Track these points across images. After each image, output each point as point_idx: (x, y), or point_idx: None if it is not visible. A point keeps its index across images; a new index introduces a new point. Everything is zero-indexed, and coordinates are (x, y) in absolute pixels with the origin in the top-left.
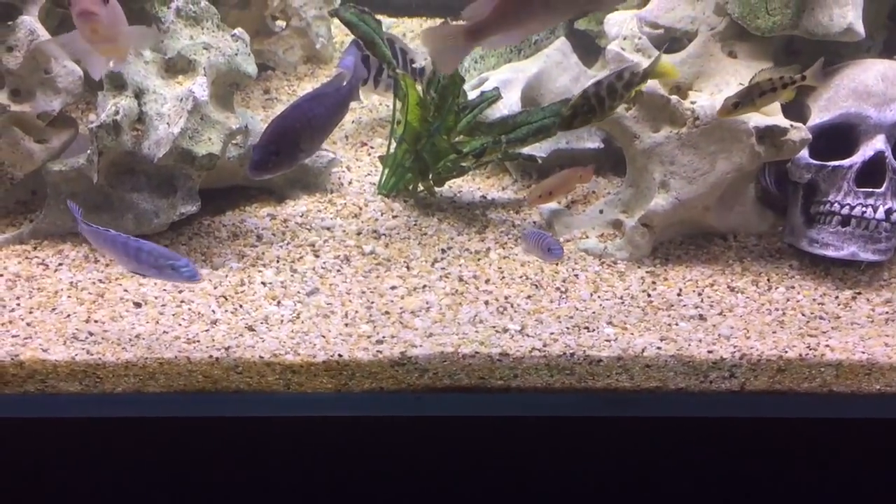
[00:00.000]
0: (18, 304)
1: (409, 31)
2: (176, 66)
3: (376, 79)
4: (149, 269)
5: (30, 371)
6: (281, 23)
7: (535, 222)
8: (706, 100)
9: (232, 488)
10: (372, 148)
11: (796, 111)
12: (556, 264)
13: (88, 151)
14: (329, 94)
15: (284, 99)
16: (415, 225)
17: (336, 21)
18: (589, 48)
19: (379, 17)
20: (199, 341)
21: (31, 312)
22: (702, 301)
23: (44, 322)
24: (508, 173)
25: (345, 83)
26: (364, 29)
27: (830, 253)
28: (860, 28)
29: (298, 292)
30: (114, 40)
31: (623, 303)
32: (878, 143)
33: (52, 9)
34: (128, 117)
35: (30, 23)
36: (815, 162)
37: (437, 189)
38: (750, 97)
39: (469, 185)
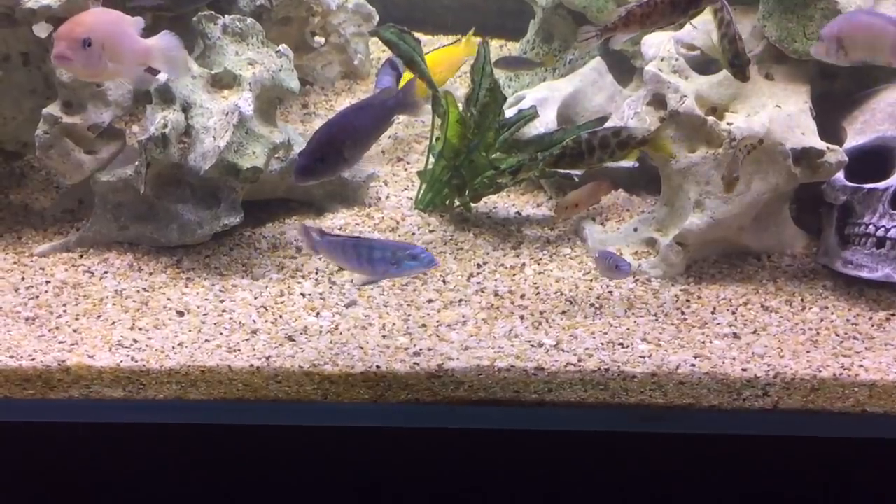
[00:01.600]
0: (65, 311)
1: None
2: (222, 81)
3: None
4: (387, 266)
5: (76, 377)
6: (320, 39)
7: (569, 239)
8: (742, 121)
9: (268, 496)
10: (408, 163)
11: (832, 133)
12: (591, 281)
13: (136, 163)
14: (374, 105)
15: (322, 114)
16: (451, 240)
17: (375, 38)
18: (624, 68)
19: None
20: (240, 350)
21: (77, 319)
22: (735, 319)
23: (90, 329)
24: (543, 190)
25: (390, 97)
26: (404, 48)
27: (865, 274)
28: None
29: (337, 304)
30: (99, 77)
31: (657, 320)
32: None
33: None
34: (175, 130)
35: None
36: (850, 184)
37: (472, 205)
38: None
39: (504, 202)
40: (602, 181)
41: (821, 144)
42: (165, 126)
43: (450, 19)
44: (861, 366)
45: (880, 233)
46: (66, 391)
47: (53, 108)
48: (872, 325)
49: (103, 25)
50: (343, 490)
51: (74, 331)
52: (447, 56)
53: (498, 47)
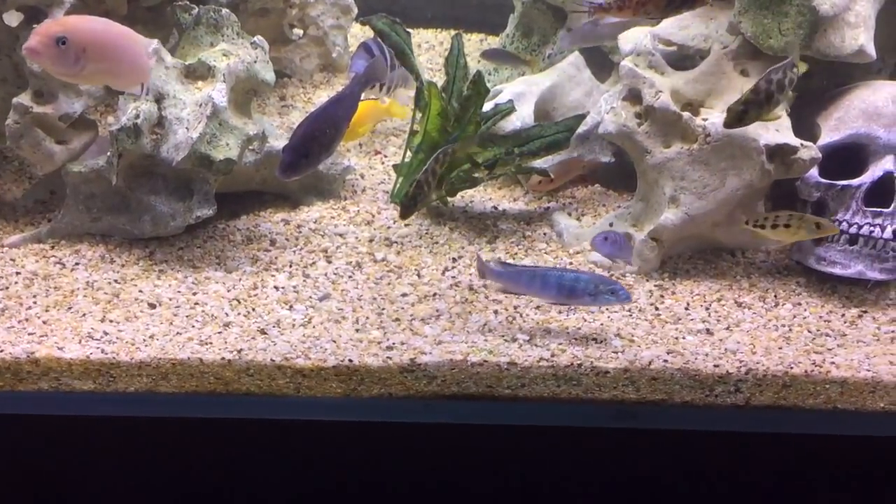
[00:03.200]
0: (35, 303)
1: (425, 41)
2: (196, 72)
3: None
4: (583, 297)
5: (45, 368)
6: (298, 31)
7: (545, 233)
8: (717, 117)
9: (240, 489)
10: (386, 157)
11: (806, 130)
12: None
13: (108, 153)
14: (346, 96)
15: (300, 106)
16: (427, 233)
17: (352, 31)
18: (602, 63)
19: None
20: (211, 343)
21: (47, 311)
22: (709, 315)
23: (60, 320)
24: (520, 185)
25: (357, 83)
26: (395, 39)
27: (838, 271)
28: (871, 50)
29: (310, 297)
30: (74, 79)
31: (631, 315)
32: (887, 164)
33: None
34: (148, 121)
35: None
36: (824, 181)
37: (449, 199)
38: (757, 103)
39: (481, 196)
40: (571, 161)
41: (794, 141)
42: (137, 116)
43: (430, 12)
44: (833, 363)
45: (853, 230)
46: (35, 383)
47: (24, 98)
48: (845, 322)
49: (94, 33)
50: (315, 484)
51: (44, 322)
52: (372, 109)
53: (478, 41)
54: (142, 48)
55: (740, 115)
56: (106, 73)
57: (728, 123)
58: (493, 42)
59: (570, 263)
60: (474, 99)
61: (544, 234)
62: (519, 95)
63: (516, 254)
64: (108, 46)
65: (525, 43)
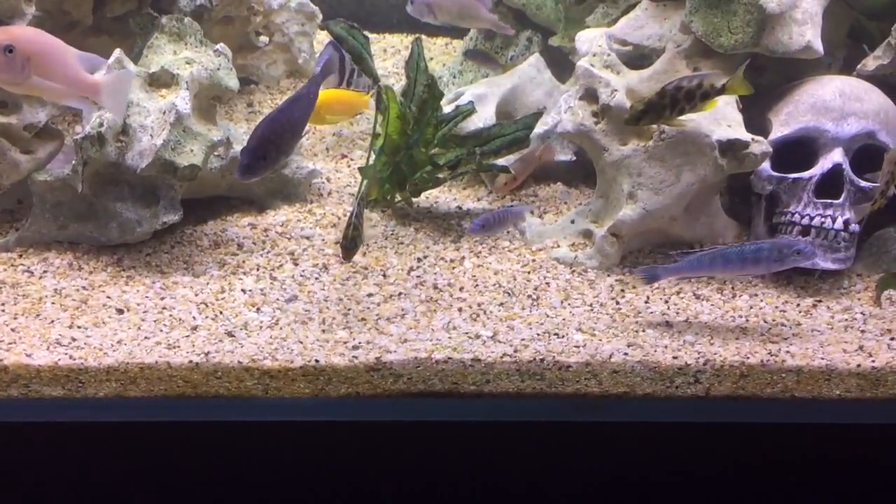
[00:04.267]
0: (3, 311)
1: (391, 46)
2: (159, 80)
3: (348, 81)
4: (770, 263)
5: (13, 375)
6: (264, 38)
7: (508, 232)
8: None
9: (210, 491)
10: (352, 160)
11: (758, 125)
12: (529, 273)
13: (73, 162)
14: (302, 96)
15: (267, 112)
16: (392, 234)
17: (318, 37)
18: (563, 64)
19: None
20: (179, 347)
21: (15, 318)
22: (668, 308)
23: (28, 328)
24: (483, 184)
25: (314, 84)
26: (352, 43)
27: None
28: (819, 46)
29: (278, 299)
30: (19, 89)
31: (592, 310)
32: (836, 156)
33: (42, 24)
34: (112, 129)
35: None
36: (776, 174)
37: (413, 200)
38: (660, 107)
39: (445, 196)
40: (531, 153)
41: (746, 136)
42: (101, 125)
43: (395, 17)
44: (788, 352)
45: (805, 221)
46: (4, 390)
47: None
48: (800, 312)
49: (37, 44)
50: (285, 484)
51: (13, 330)
52: (348, 98)
53: (443, 45)
54: (75, 59)
55: (639, 115)
56: (48, 85)
57: (626, 120)
58: (458, 45)
59: (533, 261)
60: (430, 102)
61: (507, 232)
62: (480, 97)
63: (479, 252)
64: (52, 58)
65: (488, 45)
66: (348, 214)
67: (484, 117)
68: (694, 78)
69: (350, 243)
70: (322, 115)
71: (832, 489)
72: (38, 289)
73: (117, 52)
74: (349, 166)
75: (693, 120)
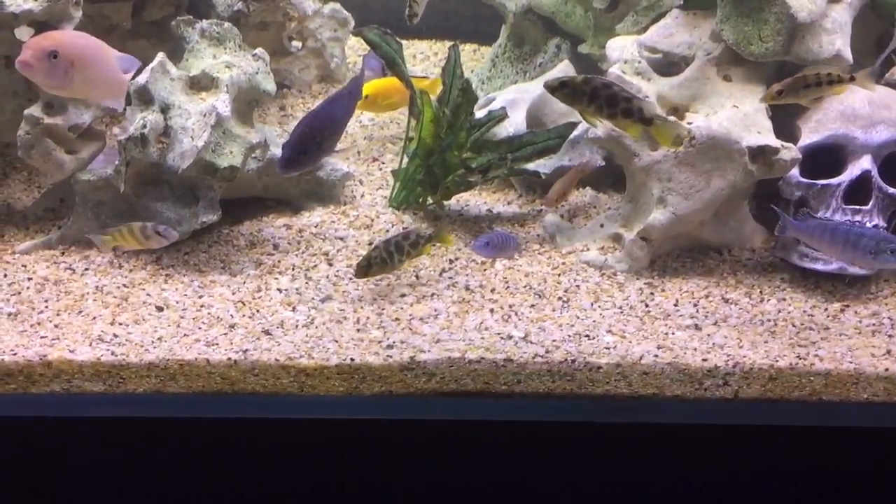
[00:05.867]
0: (46, 307)
1: (419, 52)
2: (200, 84)
3: None
4: (864, 255)
5: (56, 371)
6: (297, 43)
7: (538, 235)
8: (702, 121)
9: (245, 487)
10: (383, 163)
11: (787, 132)
12: (559, 275)
13: (116, 162)
14: (344, 95)
15: (299, 115)
16: None
17: (350, 42)
18: (591, 72)
19: None
20: (217, 344)
21: (58, 314)
22: (697, 311)
23: (70, 324)
24: (513, 188)
25: (355, 86)
26: (386, 49)
27: (820, 267)
28: (848, 54)
29: (313, 299)
30: (62, 92)
31: (622, 312)
32: (864, 163)
33: (83, 28)
34: (154, 130)
35: None
36: (805, 180)
37: (445, 203)
38: (795, 88)
39: (476, 200)
40: (575, 168)
41: (776, 142)
42: (144, 126)
43: (423, 25)
44: (816, 355)
45: None
46: (47, 385)
47: (35, 110)
48: (828, 316)
49: (79, 48)
50: (318, 481)
51: (56, 326)
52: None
53: (471, 51)
54: (115, 60)
55: (364, 270)
56: (90, 87)
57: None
58: (486, 52)
59: (563, 263)
60: (464, 106)
61: (537, 235)
62: (511, 103)
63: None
64: (93, 60)
65: (517, 52)
66: (387, 236)
67: (515, 123)
68: (824, 76)
69: (364, 262)
70: (377, 103)
71: (859, 492)
72: (80, 286)
73: (160, 56)
74: (380, 169)
75: (724, 126)
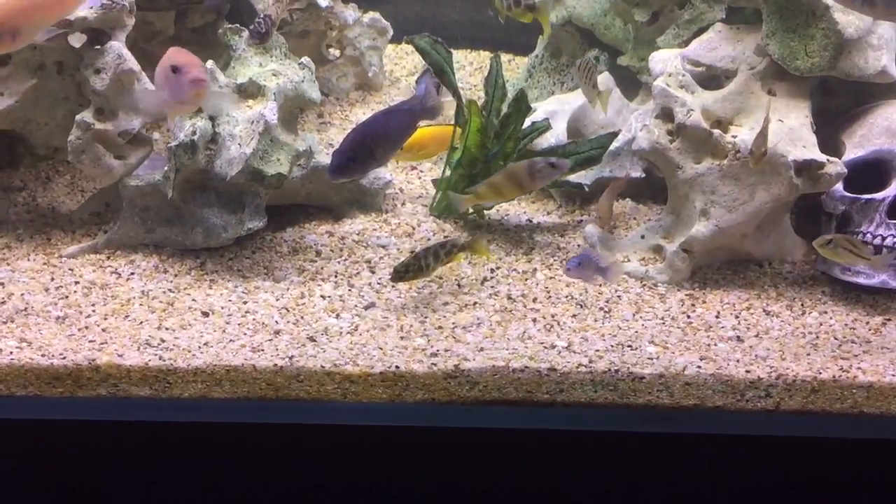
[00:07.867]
0: (93, 311)
1: (455, 62)
2: (247, 91)
3: None
4: None
5: (104, 375)
6: (336, 52)
7: (579, 245)
8: (746, 134)
9: (288, 493)
10: (422, 172)
11: (831, 147)
12: (601, 285)
13: (165, 168)
14: (403, 110)
15: (337, 123)
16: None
17: (387, 51)
18: (630, 82)
19: None
20: (263, 350)
21: (105, 319)
22: (739, 323)
23: (118, 328)
24: (553, 199)
25: (417, 103)
26: (435, 57)
27: (862, 281)
28: (893, 70)
29: (356, 306)
30: (185, 107)
31: (664, 323)
32: None
33: (137, 37)
34: (203, 137)
35: (118, 48)
36: (849, 195)
37: (485, 212)
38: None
39: (515, 209)
40: (614, 183)
41: (821, 157)
42: (194, 133)
43: (459, 34)
44: (859, 368)
45: (877, 241)
46: (94, 389)
47: (86, 115)
48: (869, 330)
49: (194, 63)
50: (360, 487)
51: (103, 330)
52: (441, 133)
53: (507, 62)
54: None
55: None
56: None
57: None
58: (522, 63)
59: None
60: (515, 116)
61: (578, 245)
62: (552, 113)
63: (551, 264)
64: (202, 73)
65: (554, 63)
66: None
67: (556, 133)
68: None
69: (402, 267)
70: (415, 153)
71: None
72: (126, 290)
73: (209, 64)
74: (420, 178)
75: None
